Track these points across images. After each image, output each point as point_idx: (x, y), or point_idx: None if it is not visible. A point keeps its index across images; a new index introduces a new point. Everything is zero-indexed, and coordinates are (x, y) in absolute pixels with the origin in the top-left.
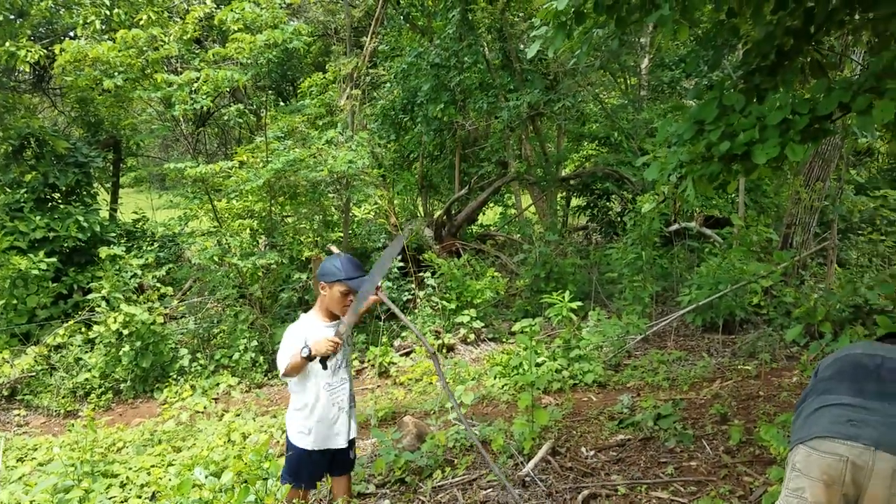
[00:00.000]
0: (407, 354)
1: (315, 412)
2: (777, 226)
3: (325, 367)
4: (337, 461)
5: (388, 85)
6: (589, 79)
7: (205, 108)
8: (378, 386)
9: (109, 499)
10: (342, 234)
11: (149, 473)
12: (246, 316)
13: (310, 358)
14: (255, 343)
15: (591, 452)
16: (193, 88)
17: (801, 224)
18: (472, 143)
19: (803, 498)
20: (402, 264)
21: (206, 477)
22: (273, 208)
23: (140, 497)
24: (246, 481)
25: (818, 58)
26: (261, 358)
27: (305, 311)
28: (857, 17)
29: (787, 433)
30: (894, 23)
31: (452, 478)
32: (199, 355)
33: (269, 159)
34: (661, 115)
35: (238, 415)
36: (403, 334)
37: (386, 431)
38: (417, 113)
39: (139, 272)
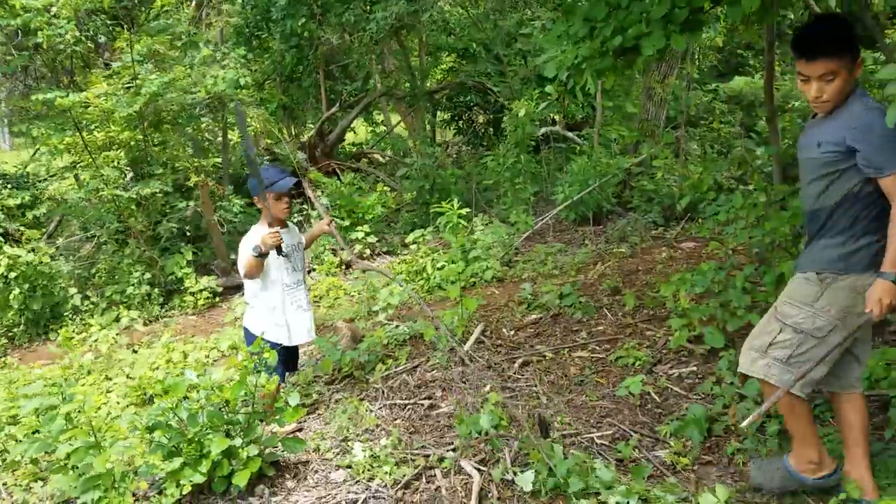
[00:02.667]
0: (309, 273)
1: (285, 310)
2: (629, 123)
3: (280, 253)
4: (292, 360)
5: (240, 1)
6: None
7: (67, 35)
8: None
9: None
10: (220, 161)
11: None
12: (132, 250)
13: (262, 255)
14: (147, 276)
15: (513, 332)
16: (53, 13)
17: (653, 120)
18: (334, 60)
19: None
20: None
21: (198, 377)
22: (146, 136)
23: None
24: (237, 378)
25: None
26: (154, 291)
27: (193, 240)
28: None
29: (680, 291)
30: None
31: (396, 367)
32: (89, 293)
33: (134, 83)
34: (518, 23)
35: (150, 345)
36: None
37: (322, 336)
38: (274, 30)
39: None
